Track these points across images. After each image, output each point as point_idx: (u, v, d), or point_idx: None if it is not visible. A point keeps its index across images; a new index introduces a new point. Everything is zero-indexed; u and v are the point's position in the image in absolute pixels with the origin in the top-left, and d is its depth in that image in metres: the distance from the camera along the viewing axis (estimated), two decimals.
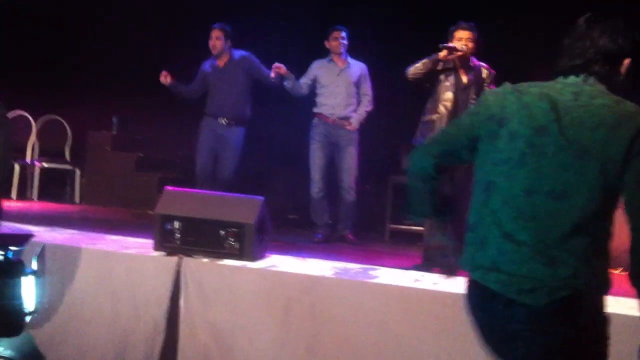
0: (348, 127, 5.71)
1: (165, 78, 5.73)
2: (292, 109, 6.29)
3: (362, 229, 6.00)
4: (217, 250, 4.10)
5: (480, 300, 1.91)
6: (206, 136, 5.79)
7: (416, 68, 4.59)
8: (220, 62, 5.84)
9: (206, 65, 5.94)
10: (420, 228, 6.32)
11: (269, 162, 6.20)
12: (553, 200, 1.76)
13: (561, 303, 1.74)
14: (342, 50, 5.77)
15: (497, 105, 1.89)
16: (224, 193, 4.48)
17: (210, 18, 6.02)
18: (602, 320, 1.83)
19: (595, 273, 1.78)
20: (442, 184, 2.08)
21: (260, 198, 4.29)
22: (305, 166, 5.92)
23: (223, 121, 5.72)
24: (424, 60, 4.58)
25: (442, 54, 4.54)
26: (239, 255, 4.08)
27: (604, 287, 1.82)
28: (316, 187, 5.73)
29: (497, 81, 4.67)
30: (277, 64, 5.64)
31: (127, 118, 7.48)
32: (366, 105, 5.79)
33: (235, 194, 4.43)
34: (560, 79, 1.90)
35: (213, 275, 3.98)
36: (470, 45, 4.60)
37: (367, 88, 5.82)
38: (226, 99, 5.76)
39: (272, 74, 5.65)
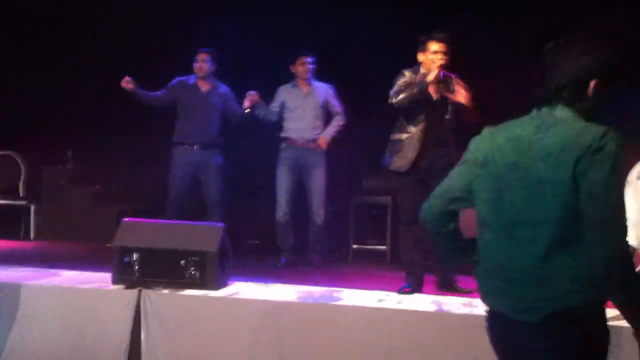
0: (320, 143, 5.71)
1: (127, 84, 5.60)
2: (251, 135, 6.26)
3: (325, 251, 5.97)
4: (178, 280, 4.03)
5: (491, 323, 2.08)
6: (183, 163, 5.68)
7: (403, 98, 4.38)
8: (204, 86, 5.76)
9: (184, 83, 5.80)
10: (383, 247, 6.35)
11: (228, 188, 6.12)
12: (528, 229, 1.92)
13: (553, 318, 1.88)
14: (309, 75, 5.82)
15: (478, 150, 2.07)
16: (183, 222, 4.40)
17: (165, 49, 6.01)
18: (599, 330, 1.93)
19: (582, 288, 1.88)
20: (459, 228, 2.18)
21: (221, 225, 4.24)
22: (266, 191, 5.87)
23: (198, 147, 5.64)
24: (412, 91, 4.37)
25: (431, 80, 4.38)
26: (201, 285, 4.01)
27: (596, 298, 1.92)
28: (282, 211, 5.70)
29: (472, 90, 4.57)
30: (251, 93, 5.64)
31: (82, 151, 7.35)
32: (338, 120, 5.80)
33: (194, 222, 4.37)
34: (534, 111, 2.02)
35: (174, 307, 3.91)
36: (446, 58, 4.42)
37: (335, 106, 5.84)
38: (208, 124, 5.68)
39: (246, 103, 5.63)
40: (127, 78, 5.60)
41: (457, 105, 4.47)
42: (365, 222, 6.58)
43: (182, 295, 3.95)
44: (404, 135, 4.47)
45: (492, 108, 4.49)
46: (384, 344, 3.66)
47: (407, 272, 4.53)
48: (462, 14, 5.73)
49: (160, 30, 6.73)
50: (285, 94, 5.82)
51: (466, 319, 3.71)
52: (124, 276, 4.06)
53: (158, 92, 5.79)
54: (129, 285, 4.02)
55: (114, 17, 7.01)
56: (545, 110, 1.98)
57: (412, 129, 4.45)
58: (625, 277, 1.86)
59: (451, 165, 2.35)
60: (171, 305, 3.92)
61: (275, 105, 5.80)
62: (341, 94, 5.92)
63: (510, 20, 6.09)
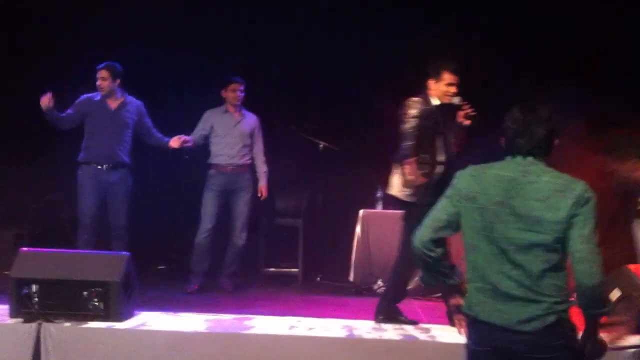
0: (262, 191, 5.78)
1: (48, 102, 5.28)
2: (157, 157, 6.12)
3: (237, 274, 5.88)
4: (81, 312, 3.88)
5: (485, 333, 2.44)
6: (91, 184, 5.44)
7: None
8: (112, 104, 5.49)
9: (90, 100, 5.52)
10: (295, 270, 6.32)
11: (133, 213, 5.92)
12: (521, 254, 2.38)
13: (550, 326, 2.38)
14: (239, 102, 5.79)
15: (465, 187, 2.46)
16: (85, 251, 4.23)
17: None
18: (576, 332, 2.46)
19: (565, 300, 2.41)
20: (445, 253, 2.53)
21: (126, 254, 4.10)
22: (171, 213, 5.73)
23: (106, 167, 5.42)
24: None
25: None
26: (105, 317, 3.87)
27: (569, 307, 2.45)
28: (204, 233, 5.63)
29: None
30: (185, 138, 5.53)
31: None
32: (263, 168, 5.83)
33: (97, 251, 4.20)
34: (509, 158, 2.48)
35: (77, 340, 3.74)
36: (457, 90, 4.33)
37: (260, 146, 5.85)
38: (117, 143, 5.43)
39: (174, 144, 5.50)
40: (48, 95, 5.28)
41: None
42: (276, 245, 6.54)
43: (85, 327, 3.79)
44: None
45: None
46: None
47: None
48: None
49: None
50: (214, 119, 5.76)
51: (377, 344, 3.73)
52: (22, 309, 3.87)
53: (63, 113, 5.53)
54: (28, 319, 3.82)
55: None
56: (523, 159, 2.44)
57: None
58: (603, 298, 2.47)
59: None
60: (73, 338, 3.75)
61: (204, 129, 5.75)
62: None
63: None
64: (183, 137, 5.56)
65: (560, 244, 2.38)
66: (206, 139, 5.75)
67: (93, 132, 5.43)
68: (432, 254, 2.47)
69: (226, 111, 5.79)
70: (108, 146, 5.39)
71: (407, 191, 4.31)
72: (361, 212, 5.96)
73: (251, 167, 5.82)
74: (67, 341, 3.73)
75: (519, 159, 2.44)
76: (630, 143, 3.15)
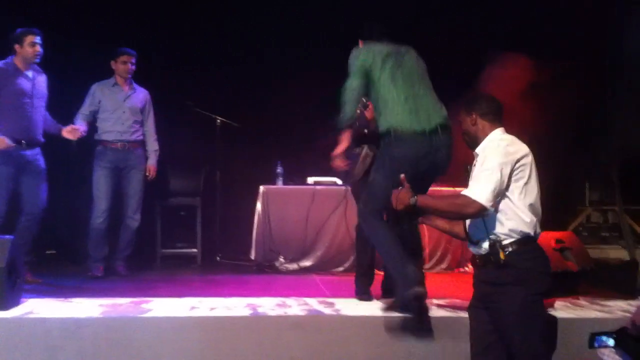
0: (150, 171, 5.49)
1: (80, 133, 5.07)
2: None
3: (132, 257, 5.63)
4: None
5: None
6: (10, 164, 4.90)
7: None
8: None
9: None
10: (194, 250, 6.14)
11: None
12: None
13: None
14: (130, 75, 5.45)
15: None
16: None
17: None
18: None
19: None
20: None
21: (9, 237, 3.80)
22: (63, 194, 5.41)
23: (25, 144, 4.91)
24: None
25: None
26: None
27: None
28: (101, 217, 5.27)
29: None
30: (82, 129, 5.15)
31: None
32: (154, 146, 5.54)
33: None
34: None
35: None
36: None
37: (152, 122, 5.54)
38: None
39: (68, 134, 5.06)
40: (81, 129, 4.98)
41: None
42: (173, 225, 6.33)
43: None
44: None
45: None
46: (198, 352, 3.50)
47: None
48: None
49: None
50: (102, 94, 5.39)
51: (282, 320, 3.66)
52: None
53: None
54: None
55: None
56: None
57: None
58: None
59: None
60: None
61: (93, 104, 5.39)
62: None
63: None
64: (80, 128, 5.15)
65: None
66: (95, 115, 5.44)
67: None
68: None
69: (115, 84, 5.46)
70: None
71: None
72: (261, 188, 5.84)
73: (143, 144, 5.53)
74: None
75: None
76: (485, 100, 3.20)
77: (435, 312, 3.81)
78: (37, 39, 4.90)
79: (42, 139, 5.01)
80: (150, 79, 5.72)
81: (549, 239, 4.37)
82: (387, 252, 3.70)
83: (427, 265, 5.94)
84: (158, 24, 6.38)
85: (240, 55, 6.52)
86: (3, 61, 4.90)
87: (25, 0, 5.92)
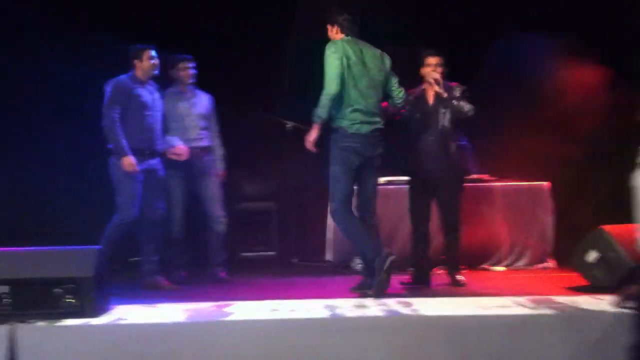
0: (220, 174, 5.61)
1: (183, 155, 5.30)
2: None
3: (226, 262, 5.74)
4: (54, 310, 3.74)
5: None
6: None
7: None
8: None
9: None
10: (271, 253, 6.26)
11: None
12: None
13: None
14: (192, 80, 5.55)
15: None
16: (54, 247, 4.09)
17: None
18: None
19: None
20: None
21: (97, 247, 3.98)
22: None
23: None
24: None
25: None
26: (80, 313, 3.74)
27: None
28: (178, 225, 5.43)
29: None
30: (183, 149, 5.32)
31: None
32: (221, 150, 5.65)
33: (67, 247, 4.06)
34: None
35: (53, 340, 3.61)
36: (440, 69, 4.92)
37: (216, 127, 5.66)
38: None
39: (172, 155, 5.29)
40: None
41: (449, 101, 4.90)
42: (249, 229, 6.46)
43: (60, 326, 3.67)
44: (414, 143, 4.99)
45: None
46: (279, 354, 3.57)
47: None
48: None
49: None
50: (166, 103, 5.45)
51: (360, 321, 3.69)
52: None
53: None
54: (1, 321, 3.69)
55: None
56: None
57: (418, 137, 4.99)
58: None
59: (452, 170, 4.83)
60: (49, 338, 3.62)
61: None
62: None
63: None
64: (185, 149, 5.31)
65: None
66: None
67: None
68: None
69: (179, 92, 5.56)
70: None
71: None
72: None
73: (212, 149, 5.60)
74: (43, 341, 3.60)
75: None
76: None
77: (514, 310, 3.77)
78: (154, 53, 5.17)
79: (161, 149, 5.27)
80: (219, 84, 5.83)
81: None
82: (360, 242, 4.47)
83: (505, 262, 5.87)
84: (219, 35, 6.47)
85: (307, 57, 6.57)
86: (125, 75, 5.18)
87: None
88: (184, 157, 5.29)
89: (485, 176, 6.02)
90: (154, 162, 5.18)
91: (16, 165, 6.23)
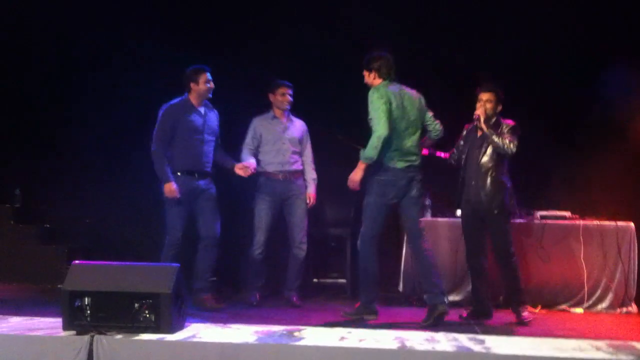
0: (310, 199, 5.67)
1: (249, 169, 5.41)
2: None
3: (302, 287, 5.79)
4: (132, 324, 3.87)
5: None
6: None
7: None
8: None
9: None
10: (343, 280, 6.25)
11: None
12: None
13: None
14: (288, 106, 5.66)
15: None
16: (135, 263, 4.24)
17: None
18: None
19: None
20: None
21: (176, 265, 4.10)
22: (226, 224, 5.76)
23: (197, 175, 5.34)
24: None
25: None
26: (156, 328, 3.86)
27: None
28: (260, 248, 5.50)
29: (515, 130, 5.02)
30: (253, 167, 5.43)
31: (30, 189, 7.10)
32: (313, 175, 5.73)
33: (148, 263, 4.21)
34: None
35: (129, 352, 3.74)
36: (489, 105, 5.01)
37: (309, 152, 5.74)
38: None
39: (239, 171, 5.39)
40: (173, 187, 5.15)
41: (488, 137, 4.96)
42: (324, 255, 6.49)
43: (136, 340, 3.79)
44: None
45: None
46: None
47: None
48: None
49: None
50: (262, 126, 5.64)
51: (429, 355, 3.64)
52: (75, 321, 3.89)
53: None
54: (81, 331, 3.85)
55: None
56: None
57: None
58: None
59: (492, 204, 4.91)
60: (125, 350, 3.75)
61: (255, 138, 5.63)
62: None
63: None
64: (251, 165, 5.41)
65: None
66: (257, 148, 5.66)
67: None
68: None
69: (274, 117, 5.67)
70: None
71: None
72: None
73: (302, 174, 5.69)
74: (119, 353, 3.72)
75: None
76: None
77: (592, 353, 3.63)
78: (209, 76, 5.26)
79: (211, 170, 5.35)
80: (305, 109, 5.90)
81: None
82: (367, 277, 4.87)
83: (585, 304, 5.67)
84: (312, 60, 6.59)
85: None
86: (179, 98, 5.30)
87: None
88: (248, 173, 5.36)
89: (567, 213, 5.86)
90: (204, 183, 5.28)
91: (114, 186, 6.52)
